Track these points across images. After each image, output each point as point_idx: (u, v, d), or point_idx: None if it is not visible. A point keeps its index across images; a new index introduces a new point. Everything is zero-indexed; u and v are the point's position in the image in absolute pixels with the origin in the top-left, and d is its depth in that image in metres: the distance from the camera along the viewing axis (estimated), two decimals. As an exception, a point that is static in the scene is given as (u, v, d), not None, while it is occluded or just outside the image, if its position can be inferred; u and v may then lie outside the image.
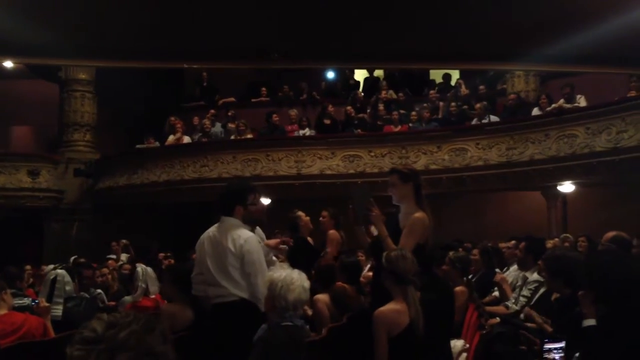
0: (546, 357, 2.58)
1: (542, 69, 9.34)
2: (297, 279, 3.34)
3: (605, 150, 9.89)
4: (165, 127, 13.25)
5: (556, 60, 4.53)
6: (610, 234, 4.86)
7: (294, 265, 5.47)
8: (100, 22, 3.94)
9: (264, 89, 14.66)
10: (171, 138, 12.76)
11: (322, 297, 4.69)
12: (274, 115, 12.88)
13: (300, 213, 6.22)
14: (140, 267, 6.13)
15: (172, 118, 12.93)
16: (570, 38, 3.87)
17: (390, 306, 3.42)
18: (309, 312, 4.90)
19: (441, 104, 13.24)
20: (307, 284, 3.40)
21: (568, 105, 10.87)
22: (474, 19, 3.79)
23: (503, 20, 3.71)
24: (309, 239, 6.24)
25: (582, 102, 10.94)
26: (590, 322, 3.13)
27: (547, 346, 2.62)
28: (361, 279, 5.44)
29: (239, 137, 12.60)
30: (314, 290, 4.67)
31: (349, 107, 13.34)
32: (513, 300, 5.42)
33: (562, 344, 2.66)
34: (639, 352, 2.73)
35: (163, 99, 14.34)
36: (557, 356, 2.60)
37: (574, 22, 3.73)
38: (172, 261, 8.94)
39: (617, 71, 6.50)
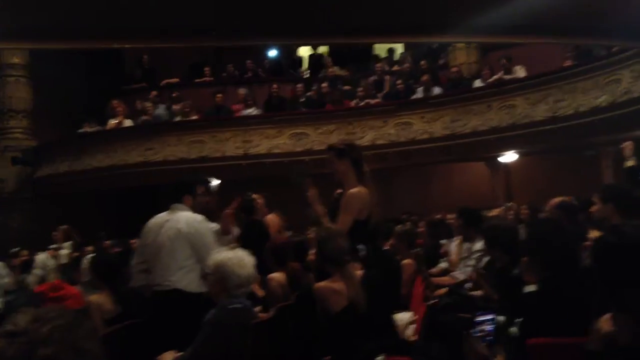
0: (480, 329, 2.64)
1: (477, 40, 9.46)
2: (245, 256, 3.36)
3: (544, 120, 10.16)
4: (106, 110, 12.87)
5: (491, 31, 4.57)
6: (556, 200, 4.99)
7: (246, 246, 5.49)
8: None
9: (207, 68, 14.38)
10: (112, 122, 12.40)
11: (277, 276, 4.67)
12: (218, 95, 12.66)
13: (255, 196, 6.18)
14: (40, 255, 5.99)
15: (115, 101, 12.55)
16: (503, 8, 3.91)
17: (327, 283, 3.43)
18: (260, 292, 4.89)
19: (387, 77, 13.29)
20: (254, 260, 3.41)
21: (507, 77, 11.09)
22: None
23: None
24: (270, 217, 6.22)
25: (520, 72, 11.18)
26: (531, 288, 3.21)
27: (479, 319, 2.68)
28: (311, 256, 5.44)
29: (183, 119, 12.36)
30: (267, 270, 4.68)
31: (296, 85, 13.26)
32: (460, 271, 5.54)
33: (492, 316, 2.72)
34: (576, 315, 2.82)
35: (103, 82, 13.90)
36: (488, 327, 2.66)
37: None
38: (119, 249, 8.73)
39: (550, 41, 6.64)
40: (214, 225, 4.25)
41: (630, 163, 4.66)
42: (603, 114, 9.49)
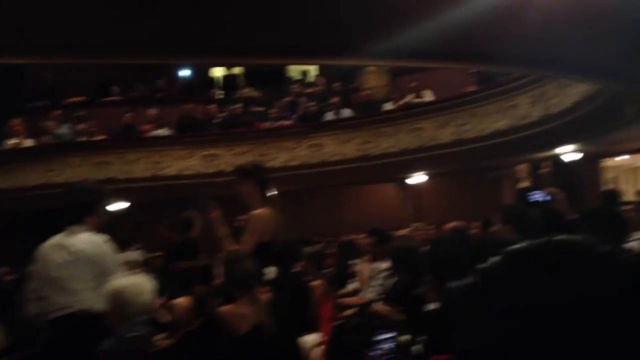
0: (379, 348, 2.66)
1: (383, 63, 9.76)
2: (144, 283, 3.23)
3: (450, 142, 10.57)
4: (4, 130, 12.15)
5: (395, 55, 4.71)
6: (450, 225, 5.19)
7: (168, 263, 5.33)
8: None
9: (115, 87, 13.91)
10: (10, 142, 11.73)
11: (182, 301, 4.54)
12: (126, 115, 12.28)
13: (194, 215, 6.00)
14: None
15: (14, 121, 11.88)
16: (406, 34, 4.04)
17: (230, 307, 3.36)
18: (166, 317, 4.74)
19: (301, 99, 13.41)
20: (153, 286, 3.29)
21: (416, 100, 11.48)
22: (314, 14, 3.82)
23: (338, 15, 3.77)
24: None
25: (428, 96, 11.60)
26: (434, 305, 3.28)
27: (379, 337, 2.71)
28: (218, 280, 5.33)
29: (88, 139, 11.90)
30: (173, 294, 4.54)
31: (209, 106, 13.11)
32: (367, 290, 5.59)
33: (392, 334, 2.76)
34: (477, 331, 2.89)
35: (1, 100, 13.13)
36: (387, 345, 2.69)
37: (407, 17, 3.88)
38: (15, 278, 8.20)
39: (451, 65, 6.93)
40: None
41: (524, 184, 4.91)
42: (503, 137, 9.98)
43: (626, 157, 12.72)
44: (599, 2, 4.16)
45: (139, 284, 3.19)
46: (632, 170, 14.30)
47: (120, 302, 3.14)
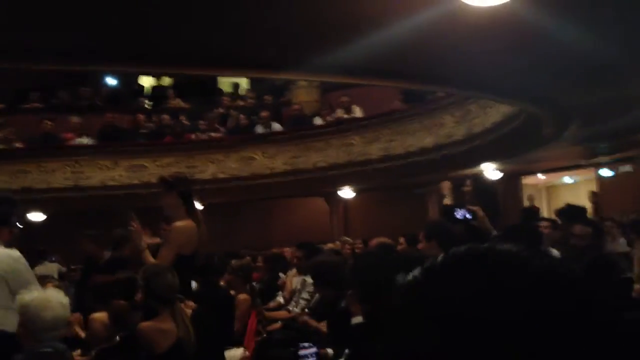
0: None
1: (313, 78, 9.83)
2: (53, 296, 3.07)
3: (378, 158, 10.74)
4: None
5: (329, 71, 4.75)
6: (375, 240, 5.23)
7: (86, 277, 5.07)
8: None
9: (35, 94, 13.30)
10: None
11: (99, 316, 4.36)
12: (46, 122, 11.75)
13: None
14: None
15: None
16: (341, 50, 4.08)
17: (152, 322, 3.25)
18: (82, 333, 4.55)
19: (232, 112, 13.30)
20: (65, 300, 3.13)
21: (346, 116, 11.62)
22: (248, 28, 3.80)
23: (272, 29, 3.77)
24: None
25: (357, 112, 11.76)
26: (357, 319, 3.28)
27: (301, 352, 2.68)
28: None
29: (5, 147, 11.31)
30: (90, 309, 4.36)
31: (136, 116, 12.77)
32: (294, 304, 5.56)
33: (315, 349, 2.74)
34: (401, 347, 2.91)
35: None
36: None
37: (340, 34, 3.93)
38: None
39: (381, 83, 7.07)
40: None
41: (447, 201, 5.03)
42: (429, 154, 10.25)
43: (543, 176, 13.37)
44: (523, 29, 4.34)
45: (50, 298, 3.03)
46: (549, 188, 15.03)
47: (28, 316, 2.99)
